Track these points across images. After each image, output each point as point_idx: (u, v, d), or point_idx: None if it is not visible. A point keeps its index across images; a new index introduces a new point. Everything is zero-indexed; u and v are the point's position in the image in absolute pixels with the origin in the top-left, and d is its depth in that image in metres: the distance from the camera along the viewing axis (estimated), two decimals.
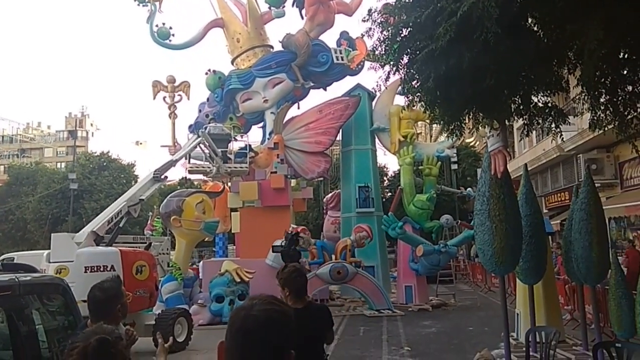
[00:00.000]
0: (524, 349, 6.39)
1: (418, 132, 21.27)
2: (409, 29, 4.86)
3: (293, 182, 17.00)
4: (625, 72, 5.04)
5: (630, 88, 5.27)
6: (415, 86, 5.25)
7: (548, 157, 18.29)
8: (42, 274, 4.60)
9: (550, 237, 11.16)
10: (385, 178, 31.29)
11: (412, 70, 5.15)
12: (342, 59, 16.60)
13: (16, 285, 3.44)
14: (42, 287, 3.96)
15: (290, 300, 3.32)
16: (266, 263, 13.53)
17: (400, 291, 14.93)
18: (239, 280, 12.20)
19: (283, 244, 12.20)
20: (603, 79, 5.09)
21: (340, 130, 16.79)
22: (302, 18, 16.92)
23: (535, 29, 4.79)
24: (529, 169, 8.52)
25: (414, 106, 15.02)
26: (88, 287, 2.81)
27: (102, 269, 8.41)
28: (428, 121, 18.12)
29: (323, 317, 3.33)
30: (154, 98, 16.84)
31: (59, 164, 54.08)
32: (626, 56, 4.77)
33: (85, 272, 8.32)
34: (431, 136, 31.87)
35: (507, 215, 6.50)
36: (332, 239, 16.29)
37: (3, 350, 3.47)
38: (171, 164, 12.56)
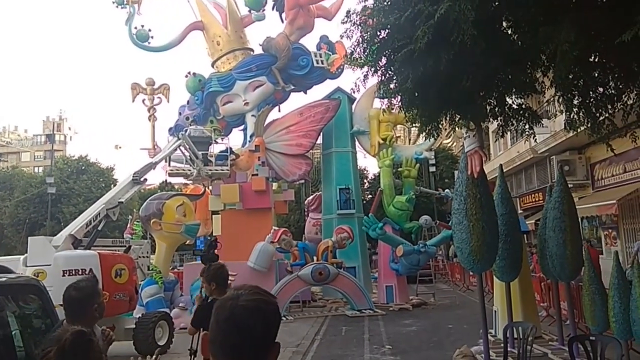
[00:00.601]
0: (502, 344, 6.51)
1: (397, 135, 21.52)
2: (387, 30, 4.95)
3: (274, 185, 17.01)
4: (596, 74, 5.21)
5: (601, 90, 5.47)
6: (394, 87, 5.34)
7: (522, 159, 18.72)
8: (17, 274, 4.56)
9: (525, 235, 11.44)
10: (365, 180, 31.54)
11: (390, 72, 5.24)
12: (322, 63, 16.70)
13: None
14: (17, 288, 3.88)
15: (216, 292, 3.73)
16: (248, 265, 13.52)
17: (381, 291, 15.07)
18: None
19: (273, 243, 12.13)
20: (575, 81, 5.25)
21: (321, 133, 16.86)
22: (282, 22, 17.00)
23: (510, 32, 4.97)
24: (504, 170, 8.71)
25: (392, 109, 15.21)
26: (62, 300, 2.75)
27: (80, 273, 8.22)
28: (407, 124, 18.54)
29: None
30: (133, 101, 16.67)
31: (36, 169, 52.89)
32: (596, 59, 4.95)
33: (64, 275, 8.11)
34: (410, 139, 32.27)
35: (484, 214, 6.66)
36: (314, 241, 16.35)
37: None
38: (151, 166, 12.43)
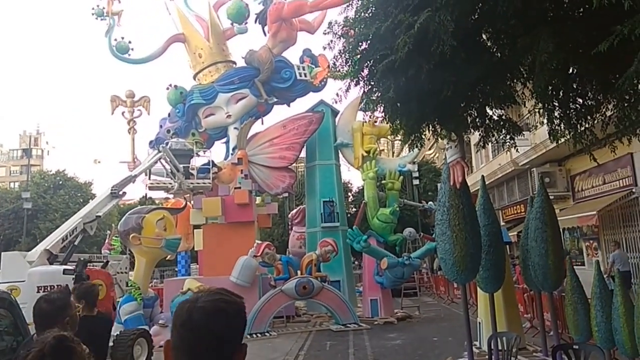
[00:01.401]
0: (487, 356, 6.51)
1: (381, 148, 21.62)
2: (369, 41, 4.95)
3: (258, 199, 16.85)
4: (575, 86, 5.24)
5: (580, 101, 5.52)
6: (376, 98, 5.33)
7: (503, 172, 18.93)
8: None
9: (507, 247, 11.49)
10: (349, 194, 31.56)
11: (372, 82, 5.24)
12: (305, 76, 16.74)
13: None
14: None
15: (85, 310, 3.73)
16: (230, 280, 13.27)
17: (365, 305, 14.93)
18: None
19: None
20: (555, 93, 5.26)
21: (305, 146, 16.82)
22: (265, 35, 17.03)
23: (489, 43, 5.01)
24: (486, 182, 8.75)
25: (375, 121, 15.24)
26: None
27: (55, 289, 8.00)
28: (390, 137, 18.68)
29: (107, 326, 4.04)
30: (112, 113, 16.45)
31: (12, 184, 51.53)
32: (575, 71, 4.97)
33: (38, 292, 7.80)
34: (394, 152, 32.50)
35: (467, 225, 6.66)
36: (298, 255, 16.16)
37: None
38: (130, 179, 12.19)
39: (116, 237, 15.78)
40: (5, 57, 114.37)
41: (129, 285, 12.43)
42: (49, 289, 7.99)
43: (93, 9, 16.24)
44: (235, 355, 1.22)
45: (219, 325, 1.19)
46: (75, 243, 10.31)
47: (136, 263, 12.94)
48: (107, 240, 18.39)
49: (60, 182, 35.97)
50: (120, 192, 11.72)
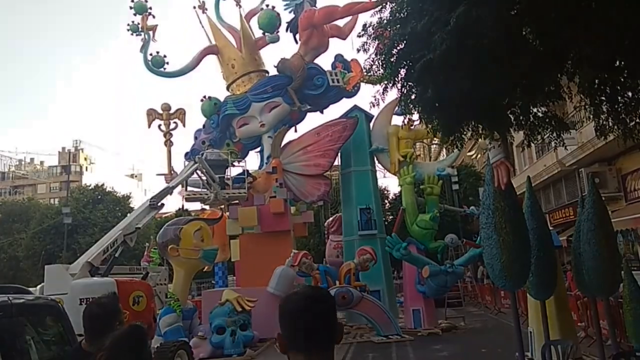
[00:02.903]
0: None
1: (417, 153, 21.12)
2: (404, 41, 4.85)
3: (293, 208, 16.72)
4: (623, 79, 4.99)
5: (630, 94, 5.20)
6: (413, 99, 5.21)
7: (549, 173, 18.18)
8: (35, 295, 4.48)
9: (557, 252, 10.90)
10: (386, 201, 31.04)
11: (409, 83, 5.12)
12: (338, 82, 16.63)
13: (8, 306, 3.29)
14: (35, 308, 3.78)
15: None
16: (268, 291, 13.14)
17: (408, 315, 14.46)
18: (240, 309, 11.74)
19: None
20: (602, 86, 5.05)
21: (339, 152, 16.63)
22: (297, 42, 17.03)
23: (531, 37, 4.75)
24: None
25: (412, 125, 14.76)
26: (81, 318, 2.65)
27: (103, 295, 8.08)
28: (427, 140, 18.21)
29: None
30: (149, 127, 16.79)
31: (52, 200, 53.59)
32: (623, 63, 4.74)
33: (81, 304, 8.00)
34: (430, 157, 31.85)
35: (514, 228, 6.40)
36: (335, 264, 15.90)
37: None
38: (167, 191, 12.32)
39: (155, 249, 15.97)
40: (44, 75, 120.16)
41: (168, 297, 12.50)
42: (91, 300, 8.05)
43: (128, 25, 16.67)
44: (339, 332, 1.54)
45: (324, 308, 1.52)
46: (116, 255, 10.47)
47: (175, 275, 13.00)
48: (146, 253, 18.67)
49: (99, 197, 36.93)
50: (159, 204, 11.85)
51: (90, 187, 38.88)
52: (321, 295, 1.56)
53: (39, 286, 10.14)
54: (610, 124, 5.49)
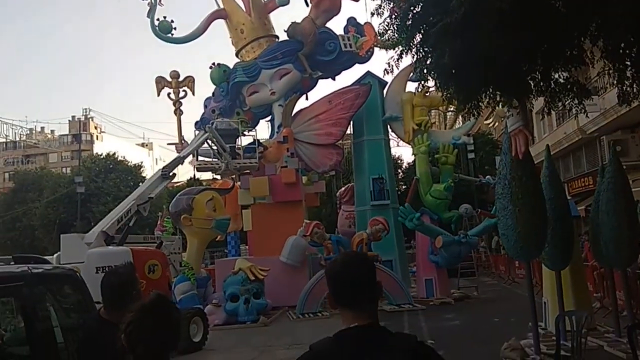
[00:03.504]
0: (554, 337, 6.23)
1: (432, 121, 20.72)
2: (421, 4, 4.71)
3: (304, 178, 16.60)
4: None
5: None
6: (429, 64, 5.09)
7: (570, 141, 17.88)
8: (54, 265, 4.67)
9: (575, 222, 10.75)
10: (399, 170, 30.80)
11: (425, 48, 4.99)
12: (351, 46, 16.18)
13: (29, 275, 3.37)
14: (54, 277, 3.85)
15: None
16: (280, 260, 13.29)
17: (420, 285, 14.57)
18: (253, 278, 11.86)
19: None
20: (628, 51, 4.90)
21: (352, 121, 16.35)
22: (307, 5, 16.47)
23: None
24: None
25: (427, 91, 14.31)
26: (99, 288, 2.70)
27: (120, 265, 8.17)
28: (442, 108, 17.79)
29: None
30: (159, 95, 16.60)
31: (64, 169, 53.98)
32: None
33: (97, 272, 7.97)
34: (445, 125, 31.41)
35: (530, 198, 6.42)
36: (347, 234, 15.91)
37: (19, 345, 3.45)
38: (179, 160, 12.28)
39: (168, 218, 16.05)
40: (53, 44, 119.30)
41: (183, 265, 12.63)
42: (107, 269, 8.07)
43: None
44: (379, 289, 1.70)
45: (366, 268, 1.67)
46: (130, 224, 10.55)
47: (188, 244, 13.16)
48: (159, 222, 18.77)
49: (111, 166, 37.21)
50: (170, 174, 11.84)
51: (102, 157, 39.06)
52: (362, 257, 1.77)
53: (55, 255, 10.28)
54: (635, 90, 5.40)
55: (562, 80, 5.62)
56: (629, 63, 5.11)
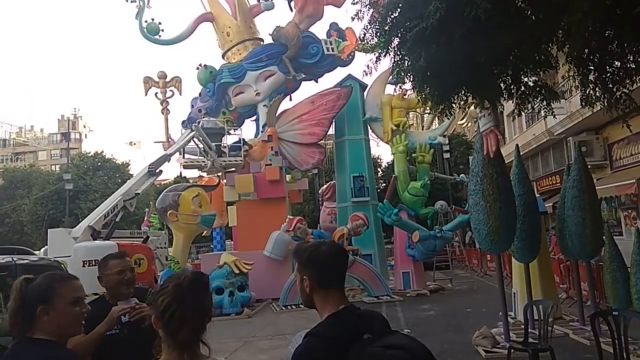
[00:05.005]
0: (522, 326, 6.45)
1: (410, 123, 21.27)
2: (399, 10, 4.85)
3: (288, 176, 16.99)
4: (612, 48, 5.06)
5: (618, 64, 5.29)
6: (406, 67, 5.21)
7: (538, 142, 18.41)
8: (38, 256, 4.47)
9: (543, 218, 11.32)
10: (379, 169, 31.37)
11: (402, 51, 5.12)
12: (333, 50, 16.54)
13: (13, 266, 3.45)
14: (39, 269, 3.82)
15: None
16: (264, 255, 13.63)
17: (397, 278, 15.01)
18: (237, 271, 12.14)
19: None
20: (591, 56, 5.12)
21: (333, 121, 16.74)
22: (291, 10, 16.85)
23: (523, 5, 4.86)
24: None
25: (405, 94, 14.75)
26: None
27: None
28: (419, 110, 18.37)
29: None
30: (146, 94, 16.80)
31: (53, 167, 53.63)
32: (612, 32, 4.80)
33: (84, 266, 8.24)
34: (423, 126, 32.02)
35: (501, 194, 6.60)
36: (329, 230, 16.31)
37: (3, 336, 3.23)
38: (165, 158, 12.55)
39: (154, 214, 16.33)
40: (42, 43, 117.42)
41: (169, 259, 12.92)
42: (93, 263, 8.41)
43: None
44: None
45: (347, 256, 1.93)
46: (117, 219, 10.75)
47: (174, 239, 13.38)
48: (146, 218, 19.05)
49: (99, 164, 37.23)
50: (157, 170, 12.08)
51: (90, 154, 39.02)
52: (342, 247, 2.12)
53: (42, 249, 10.38)
54: (597, 93, 5.53)
55: (531, 84, 5.79)
56: (592, 68, 5.24)
